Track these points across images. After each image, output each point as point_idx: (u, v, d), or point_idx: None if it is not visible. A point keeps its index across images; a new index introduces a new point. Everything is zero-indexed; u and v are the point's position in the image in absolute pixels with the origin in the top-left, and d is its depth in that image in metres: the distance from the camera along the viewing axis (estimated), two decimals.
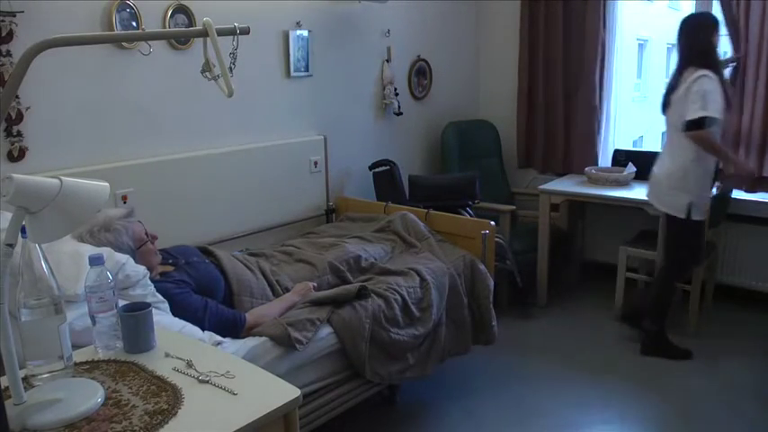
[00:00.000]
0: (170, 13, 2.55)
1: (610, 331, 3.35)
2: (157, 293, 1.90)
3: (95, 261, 1.34)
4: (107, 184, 1.18)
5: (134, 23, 2.44)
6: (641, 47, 8.02)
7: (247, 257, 2.50)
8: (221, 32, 1.26)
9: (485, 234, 2.73)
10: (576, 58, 3.86)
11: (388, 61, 3.65)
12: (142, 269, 1.87)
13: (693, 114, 2.72)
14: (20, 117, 2.20)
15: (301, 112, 3.24)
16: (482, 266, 2.71)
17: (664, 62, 8.34)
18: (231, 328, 2.07)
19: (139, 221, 2.13)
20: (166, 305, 1.92)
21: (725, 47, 3.26)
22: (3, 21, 2.09)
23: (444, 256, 2.69)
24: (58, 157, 2.32)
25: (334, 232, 3.00)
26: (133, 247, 2.03)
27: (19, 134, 2.21)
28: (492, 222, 2.78)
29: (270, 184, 3.05)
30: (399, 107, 3.68)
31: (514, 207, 3.71)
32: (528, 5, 3.96)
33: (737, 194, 3.44)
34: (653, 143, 6.43)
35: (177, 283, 2.07)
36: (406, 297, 2.39)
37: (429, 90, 4.01)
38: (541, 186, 3.63)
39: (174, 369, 1.30)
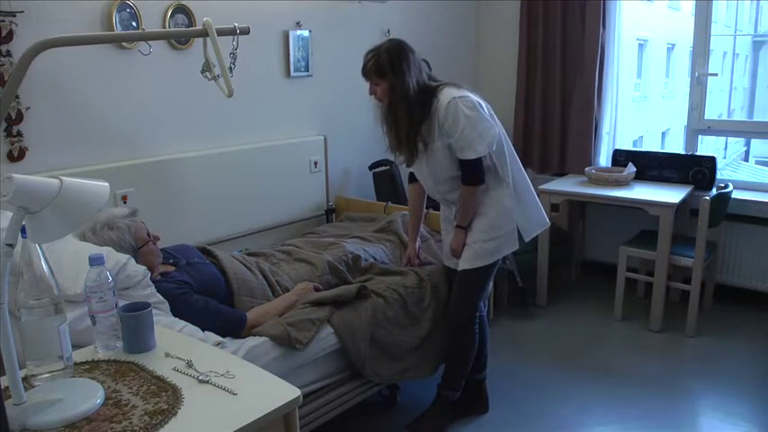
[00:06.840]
0: (170, 13, 2.56)
1: (610, 331, 3.35)
2: (158, 294, 1.91)
3: (95, 261, 1.34)
4: (107, 184, 1.18)
5: (134, 23, 2.44)
6: (641, 47, 8.01)
7: (246, 257, 2.50)
8: (221, 32, 1.26)
9: None
10: (576, 58, 3.86)
11: None
12: (143, 269, 1.87)
13: None
14: (20, 117, 2.20)
15: (301, 112, 3.24)
16: None
17: (664, 62, 8.33)
18: (232, 327, 2.07)
19: (142, 221, 2.13)
20: (167, 305, 1.92)
21: None
22: (3, 21, 2.10)
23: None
24: (58, 157, 2.32)
25: (334, 232, 3.00)
26: (135, 247, 2.04)
27: (19, 134, 2.21)
28: None
29: (270, 184, 3.05)
30: None
31: None
32: (527, 5, 3.96)
33: (737, 194, 3.44)
34: (653, 143, 6.43)
35: (178, 283, 2.07)
36: (406, 297, 2.38)
37: None
38: (542, 186, 3.62)
39: (174, 369, 1.30)
